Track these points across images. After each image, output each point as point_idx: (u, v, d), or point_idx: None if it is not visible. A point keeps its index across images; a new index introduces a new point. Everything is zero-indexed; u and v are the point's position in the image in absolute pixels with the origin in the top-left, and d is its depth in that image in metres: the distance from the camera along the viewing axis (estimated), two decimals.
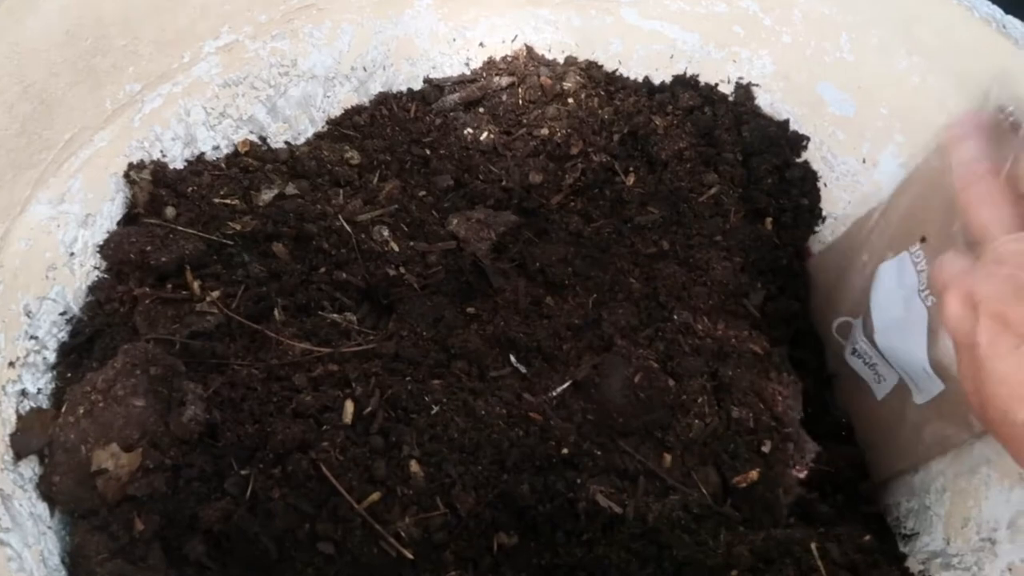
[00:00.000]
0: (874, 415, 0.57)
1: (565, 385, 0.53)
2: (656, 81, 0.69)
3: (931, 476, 0.52)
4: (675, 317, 0.56)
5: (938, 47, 0.53)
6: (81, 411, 0.49)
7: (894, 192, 0.56)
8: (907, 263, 0.54)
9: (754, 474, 0.49)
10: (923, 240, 0.53)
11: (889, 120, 0.58)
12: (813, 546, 0.46)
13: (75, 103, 0.54)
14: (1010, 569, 0.42)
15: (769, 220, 0.63)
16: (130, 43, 0.56)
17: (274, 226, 0.60)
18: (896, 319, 0.53)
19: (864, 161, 0.60)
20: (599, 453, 0.51)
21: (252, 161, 0.65)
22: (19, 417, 0.49)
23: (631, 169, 0.67)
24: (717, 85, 0.67)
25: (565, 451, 0.50)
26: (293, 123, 0.68)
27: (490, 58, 0.72)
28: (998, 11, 0.50)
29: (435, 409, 0.52)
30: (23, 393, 0.50)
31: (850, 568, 0.46)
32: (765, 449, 0.51)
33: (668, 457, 0.51)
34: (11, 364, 0.49)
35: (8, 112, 0.49)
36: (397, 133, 0.69)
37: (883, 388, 0.56)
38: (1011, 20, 0.50)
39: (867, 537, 0.49)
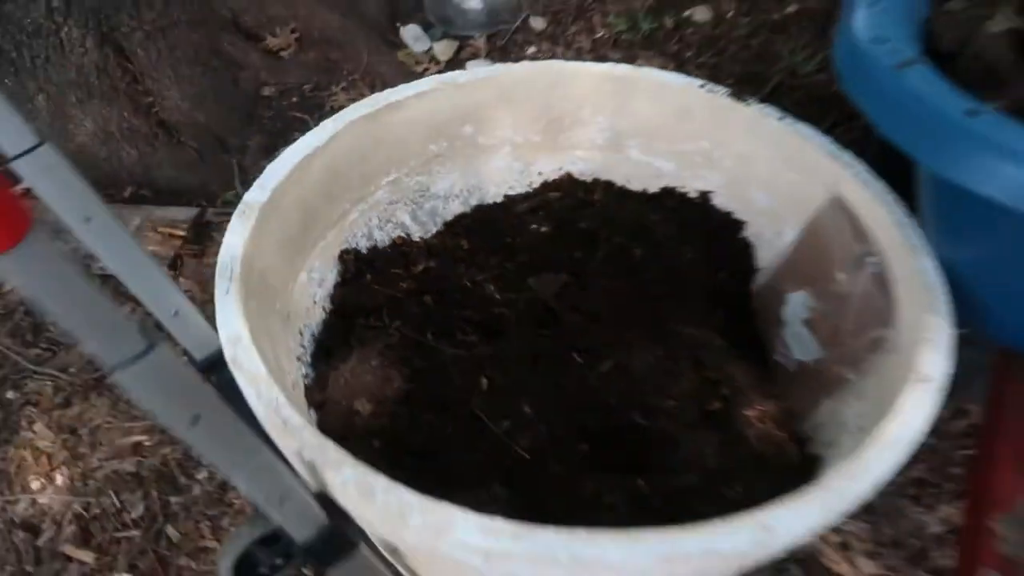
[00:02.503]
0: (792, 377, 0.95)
1: (608, 365, 0.91)
2: (650, 192, 1.11)
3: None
4: (668, 326, 0.95)
5: (814, 165, 0.94)
6: (342, 383, 0.86)
7: (796, 243, 0.96)
8: (801, 297, 0.93)
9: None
10: (809, 284, 0.92)
11: (789, 209, 0.98)
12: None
13: (321, 214, 0.95)
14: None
15: (724, 273, 1.03)
16: (348, 180, 0.98)
17: (424, 285, 1.00)
18: (795, 323, 0.92)
19: (777, 233, 1.00)
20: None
21: (405, 248, 1.06)
22: (305, 388, 0.87)
23: (637, 247, 1.07)
24: (687, 193, 1.08)
25: (611, 399, 0.88)
26: (426, 225, 1.09)
27: (545, 182, 1.14)
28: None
29: (532, 382, 0.90)
30: (304, 376, 0.88)
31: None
32: (725, 392, 0.88)
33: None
34: (298, 359, 0.88)
35: (297, 218, 0.90)
36: (490, 231, 1.11)
37: (792, 361, 0.94)
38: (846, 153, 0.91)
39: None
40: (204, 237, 1.81)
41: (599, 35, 2.08)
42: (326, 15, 2.20)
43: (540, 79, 1.03)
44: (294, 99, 2.11)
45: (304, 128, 2.10)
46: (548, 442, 0.85)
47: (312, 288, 0.94)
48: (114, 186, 2.01)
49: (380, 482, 0.60)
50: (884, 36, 0.62)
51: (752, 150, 0.99)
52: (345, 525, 0.67)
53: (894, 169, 0.84)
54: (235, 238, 0.78)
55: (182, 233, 1.81)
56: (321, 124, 0.93)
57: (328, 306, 0.96)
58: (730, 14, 2.06)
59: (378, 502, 0.59)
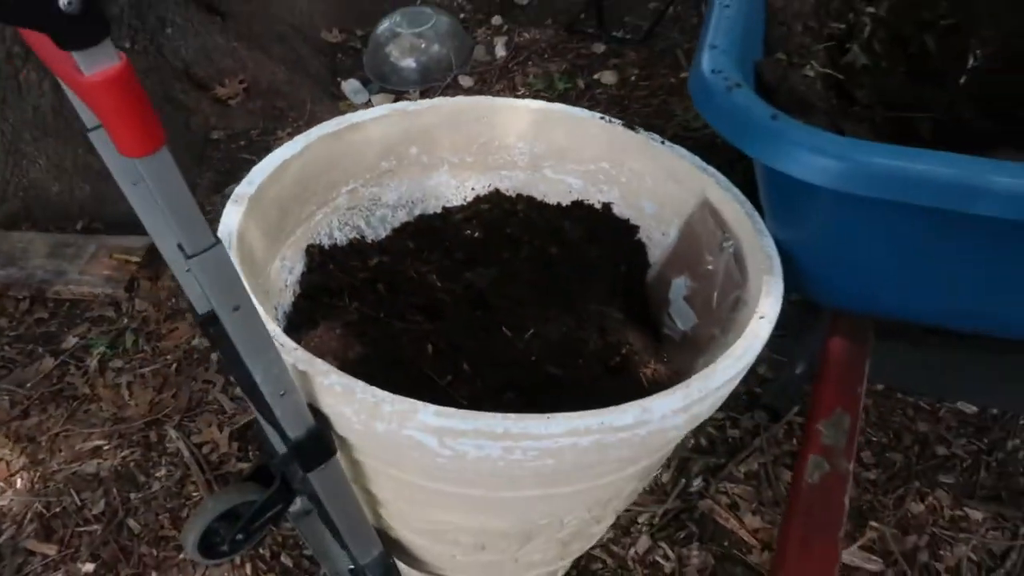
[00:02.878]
0: (677, 346, 1.19)
1: (530, 334, 1.13)
2: (563, 204, 1.35)
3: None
4: (578, 304, 1.17)
5: (688, 177, 1.20)
6: (311, 346, 1.04)
7: (676, 239, 1.21)
8: (681, 280, 1.18)
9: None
10: (687, 269, 1.17)
11: (671, 213, 1.24)
12: None
13: (293, 212, 1.15)
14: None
15: (624, 267, 1.27)
16: (315, 186, 1.18)
17: (378, 276, 1.20)
18: (678, 300, 1.16)
19: (663, 234, 1.26)
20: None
21: (360, 247, 1.26)
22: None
23: (553, 248, 1.31)
24: (593, 204, 1.33)
25: (533, 357, 1.09)
26: (377, 229, 1.30)
27: (477, 196, 1.37)
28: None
29: (469, 347, 1.10)
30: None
31: None
32: (624, 351, 1.11)
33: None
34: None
35: (275, 213, 1.09)
36: (431, 235, 1.32)
37: (677, 331, 1.18)
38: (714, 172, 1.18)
39: None
40: (158, 263, 1.95)
41: (520, 92, 2.37)
42: (273, 68, 2.42)
43: (474, 110, 1.27)
44: (242, 142, 2.30)
45: (252, 167, 2.29)
46: (483, 392, 1.05)
47: (284, 274, 1.13)
48: (66, 219, 2.13)
49: (359, 384, 0.79)
50: (719, 69, 0.87)
51: (642, 167, 1.24)
52: (327, 432, 0.85)
53: (752, 187, 1.12)
54: (231, 218, 0.97)
55: (137, 259, 1.94)
56: (294, 138, 1.13)
57: (297, 290, 1.15)
58: (633, 78, 2.39)
59: (358, 397, 0.78)
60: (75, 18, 0.44)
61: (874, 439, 1.52)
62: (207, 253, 0.61)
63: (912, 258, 0.90)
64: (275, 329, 0.83)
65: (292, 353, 0.81)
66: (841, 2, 1.31)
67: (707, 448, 1.53)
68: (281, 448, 0.84)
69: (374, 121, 1.20)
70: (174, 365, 1.74)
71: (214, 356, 1.75)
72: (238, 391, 1.68)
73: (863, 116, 1.42)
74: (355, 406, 0.78)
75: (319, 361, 0.81)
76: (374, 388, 0.78)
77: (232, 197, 1.00)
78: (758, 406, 1.52)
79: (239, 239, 0.95)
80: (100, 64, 0.47)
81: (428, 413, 0.77)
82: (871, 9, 1.36)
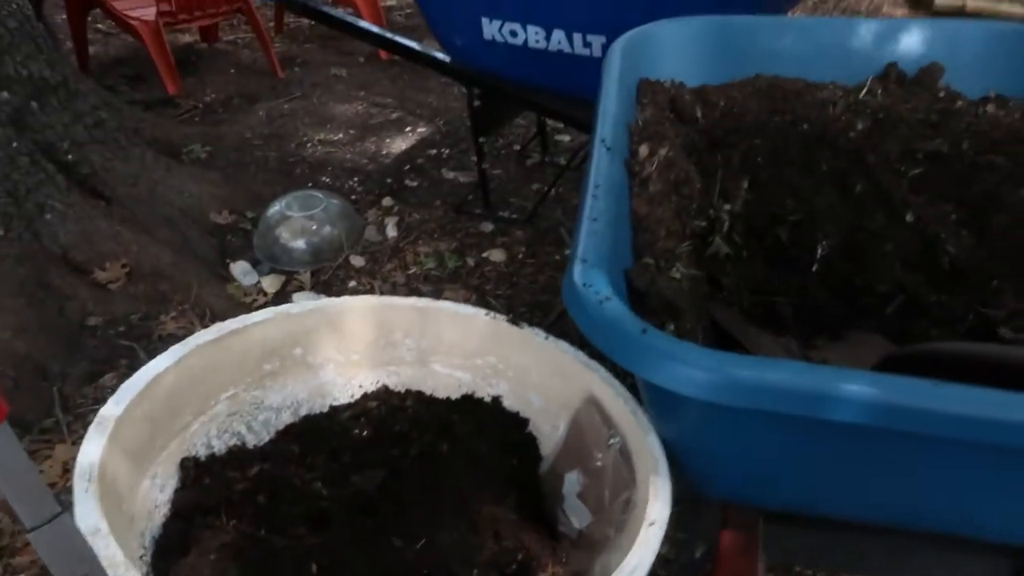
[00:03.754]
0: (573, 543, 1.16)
1: (421, 543, 1.08)
2: (453, 398, 1.35)
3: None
4: (471, 507, 1.14)
5: (572, 372, 1.23)
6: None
7: (565, 434, 1.21)
8: (574, 476, 1.18)
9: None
10: (578, 464, 1.17)
11: (558, 407, 1.25)
12: None
13: (165, 426, 1.09)
14: None
15: (516, 460, 1.26)
16: (190, 396, 1.13)
17: (258, 486, 1.14)
18: (571, 497, 1.16)
19: (553, 427, 1.26)
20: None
21: (240, 455, 1.20)
22: None
23: (443, 444, 1.29)
24: (482, 398, 1.33)
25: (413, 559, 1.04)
26: (259, 434, 1.24)
27: (365, 393, 1.35)
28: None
29: (356, 563, 1.04)
30: (148, 566, 0.97)
31: None
32: (521, 556, 1.07)
33: None
34: (140, 558, 0.97)
35: (145, 429, 1.03)
36: (317, 436, 1.28)
37: (573, 530, 1.16)
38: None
39: None
40: None
41: (412, 271, 2.42)
42: (158, 251, 2.38)
43: (358, 309, 1.27)
44: (121, 328, 2.21)
45: (131, 355, 2.18)
46: None
47: (154, 493, 1.05)
48: None
49: None
50: (590, 283, 0.92)
51: (528, 362, 1.27)
52: None
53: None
54: (92, 446, 0.91)
55: None
56: (171, 348, 1.09)
57: (168, 511, 1.07)
58: (520, 255, 2.49)
59: None
60: None
61: None
62: (49, 525, 0.56)
63: (786, 458, 0.94)
64: None
65: None
66: (701, 201, 1.44)
67: None
68: None
69: (256, 325, 1.19)
70: None
71: None
72: None
73: (731, 301, 1.52)
74: None
75: None
76: None
77: (96, 420, 0.95)
78: None
79: (100, 469, 0.89)
80: None
81: None
82: (728, 206, 1.49)
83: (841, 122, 1.55)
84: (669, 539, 1.63)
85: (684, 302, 1.07)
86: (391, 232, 2.57)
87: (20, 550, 1.65)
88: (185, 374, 1.10)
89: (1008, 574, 1.25)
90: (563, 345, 1.24)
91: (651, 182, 1.23)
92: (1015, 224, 1.40)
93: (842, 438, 0.87)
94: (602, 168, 1.17)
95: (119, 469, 0.96)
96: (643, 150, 1.29)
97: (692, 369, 0.83)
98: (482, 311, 1.29)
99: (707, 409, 0.90)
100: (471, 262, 2.45)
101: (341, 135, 3.18)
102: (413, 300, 1.29)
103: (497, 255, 2.47)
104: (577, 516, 1.16)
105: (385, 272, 2.41)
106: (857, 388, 0.80)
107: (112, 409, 0.97)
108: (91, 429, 0.93)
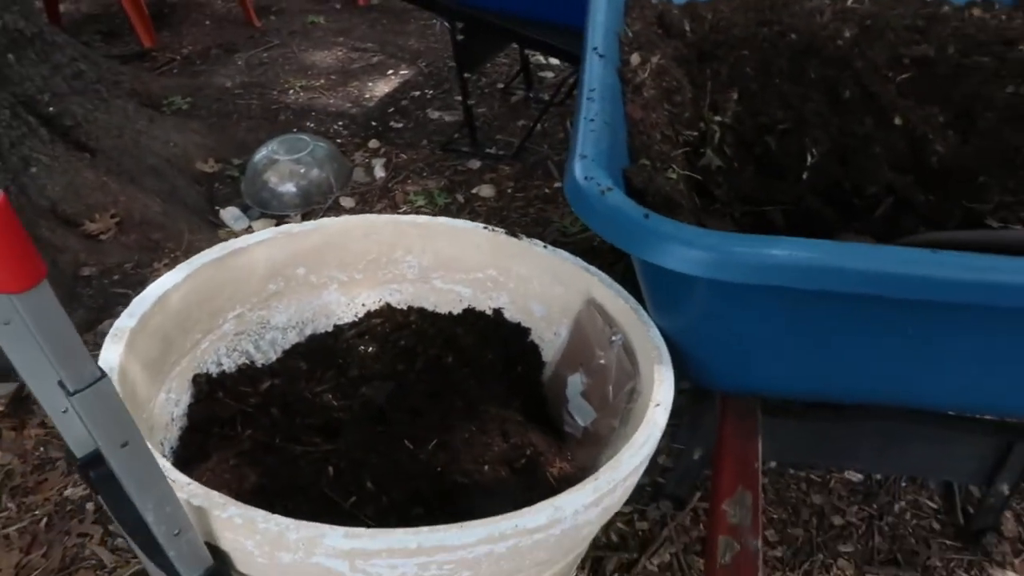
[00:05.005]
0: (578, 442, 1.20)
1: (432, 444, 1.11)
2: (455, 312, 1.37)
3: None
4: (478, 409, 1.17)
5: (572, 277, 1.25)
6: (202, 481, 0.98)
7: (567, 338, 1.24)
8: (577, 377, 1.21)
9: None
10: (581, 365, 1.20)
11: (560, 314, 1.28)
12: None
13: (177, 343, 1.10)
14: None
15: (520, 368, 1.29)
16: (199, 315, 1.15)
17: (270, 400, 1.16)
18: (575, 397, 1.19)
19: (555, 334, 1.29)
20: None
21: (250, 372, 1.22)
22: None
23: (448, 356, 1.31)
24: (484, 311, 1.36)
25: (438, 467, 1.07)
26: (267, 353, 1.26)
27: (368, 311, 1.37)
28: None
29: (371, 463, 1.07)
30: None
31: None
32: (528, 452, 1.11)
33: None
34: None
35: (158, 344, 1.05)
36: (324, 354, 1.30)
37: (578, 428, 1.19)
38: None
39: None
40: (23, 411, 1.80)
41: (402, 210, 2.42)
42: (146, 201, 2.37)
43: (359, 228, 1.29)
44: (115, 277, 2.21)
45: (128, 302, 2.18)
46: (390, 509, 1.02)
47: (170, 407, 1.08)
48: None
49: (260, 514, 0.75)
50: (591, 176, 0.94)
51: (528, 272, 1.29)
52: (226, 572, 0.80)
53: (632, 283, 1.18)
54: (111, 353, 0.92)
55: (0, 408, 1.79)
56: (177, 266, 1.11)
57: (184, 423, 1.09)
58: (509, 190, 2.50)
59: (259, 527, 0.74)
60: None
61: (775, 516, 1.57)
62: (91, 388, 0.58)
63: (784, 338, 0.97)
64: (166, 464, 0.79)
65: (186, 488, 0.77)
66: (692, 112, 1.45)
67: (619, 543, 1.52)
68: None
69: (259, 245, 1.20)
70: (44, 520, 1.58)
71: (90, 506, 1.61)
72: (119, 542, 1.54)
73: (723, 212, 1.54)
74: (257, 538, 0.74)
75: (215, 494, 0.77)
76: (277, 516, 0.75)
77: (112, 331, 0.96)
78: (662, 495, 1.54)
79: (121, 375, 0.91)
80: None
81: (336, 536, 0.74)
82: (718, 118, 1.50)
83: (828, 30, 1.56)
84: (665, 449, 1.68)
85: (682, 199, 1.09)
86: (379, 173, 2.56)
87: (33, 488, 1.68)
88: (192, 291, 1.11)
89: (992, 456, 1.31)
90: (562, 253, 1.26)
91: (644, 88, 1.24)
92: (1001, 122, 1.43)
93: (840, 313, 0.91)
94: (595, 74, 1.18)
95: (137, 379, 0.98)
96: (635, 58, 1.30)
97: (694, 249, 0.85)
98: (480, 225, 1.30)
99: (709, 291, 0.93)
100: (461, 199, 2.46)
101: (323, 81, 3.15)
102: (412, 217, 1.30)
103: (486, 191, 2.47)
104: (582, 415, 1.19)
105: (376, 211, 2.41)
106: (859, 258, 0.83)
107: (127, 321, 0.98)
108: (107, 340, 0.95)
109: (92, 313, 2.11)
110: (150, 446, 0.76)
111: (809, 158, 1.52)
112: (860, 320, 0.93)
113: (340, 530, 0.74)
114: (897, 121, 1.47)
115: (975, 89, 1.46)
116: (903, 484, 1.63)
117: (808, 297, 0.87)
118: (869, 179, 1.46)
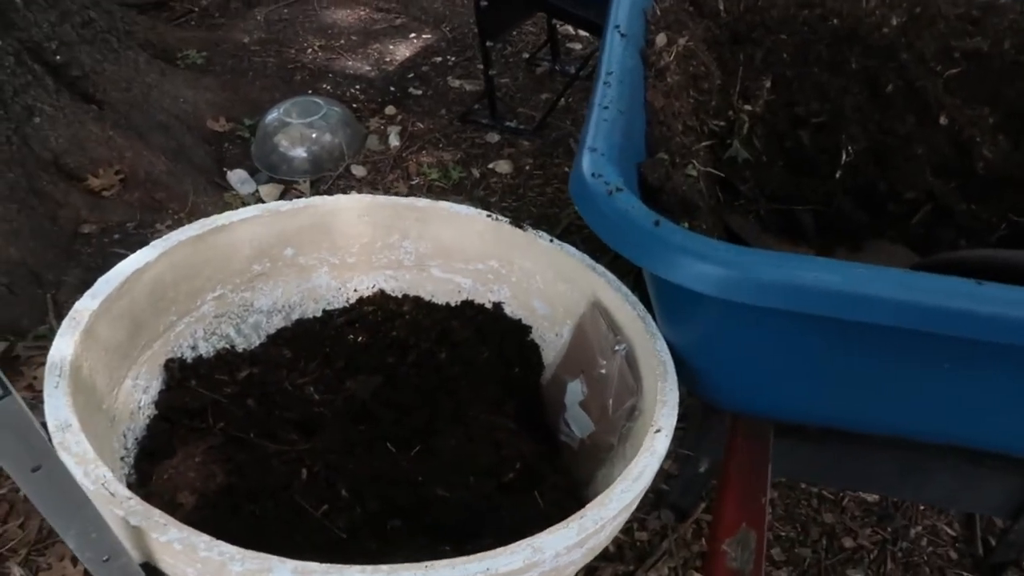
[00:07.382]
0: (575, 453, 1.12)
1: (416, 449, 1.04)
2: (452, 304, 1.29)
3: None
4: (469, 414, 1.09)
5: (577, 276, 1.16)
6: (165, 477, 0.92)
7: (569, 341, 1.16)
8: (576, 384, 1.12)
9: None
10: (582, 372, 1.11)
11: (562, 314, 1.19)
12: None
13: (148, 325, 1.03)
14: None
15: (517, 368, 1.21)
16: (175, 295, 1.07)
17: (248, 390, 1.09)
18: (573, 406, 1.11)
19: (557, 335, 1.20)
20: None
21: (229, 358, 1.14)
22: (128, 486, 0.91)
23: (442, 351, 1.23)
24: (483, 304, 1.27)
25: (419, 477, 0.99)
26: (249, 337, 1.19)
27: (360, 297, 1.28)
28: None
29: (348, 468, 1.00)
30: (126, 475, 0.93)
31: None
32: (518, 466, 1.03)
33: None
34: (122, 459, 0.93)
35: (125, 327, 0.98)
36: (310, 342, 1.22)
37: (574, 439, 1.11)
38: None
39: None
40: (12, 371, 1.75)
41: (414, 182, 2.33)
42: (152, 158, 2.29)
43: (353, 208, 1.20)
44: (116, 236, 2.14)
45: None
46: (364, 521, 0.95)
47: (137, 395, 1.01)
48: None
49: (202, 539, 0.68)
50: (600, 173, 0.84)
51: (532, 266, 1.20)
52: None
53: (643, 283, 1.08)
54: (64, 340, 0.85)
55: None
56: (152, 243, 1.03)
57: (152, 412, 1.02)
58: (527, 167, 2.39)
59: (201, 555, 0.67)
60: None
61: (782, 534, 1.48)
62: None
63: (802, 363, 0.88)
64: (105, 473, 0.72)
65: (123, 504, 0.69)
66: (720, 101, 1.34)
67: (615, 554, 1.45)
68: None
69: (243, 222, 1.12)
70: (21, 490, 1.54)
71: None
72: None
73: (748, 209, 1.44)
74: (198, 566, 0.67)
75: (156, 512, 0.69)
76: (220, 544, 0.68)
77: (70, 314, 0.89)
78: (665, 504, 1.46)
79: (74, 364, 0.84)
80: None
81: (284, 571, 0.66)
82: (748, 107, 1.39)
83: (874, 17, 1.43)
84: (672, 455, 1.60)
85: (700, 200, 0.99)
86: (394, 141, 2.47)
87: None
88: (168, 270, 1.04)
89: (1020, 492, 1.21)
90: (569, 249, 1.16)
91: (668, 73, 1.13)
92: None
93: (867, 341, 0.81)
94: (615, 55, 1.07)
95: (96, 366, 0.91)
96: (661, 39, 1.18)
97: (709, 264, 0.76)
98: (483, 212, 1.21)
99: (723, 310, 0.83)
100: (476, 173, 2.36)
101: (343, 41, 3.04)
102: (411, 200, 1.21)
103: (503, 166, 2.37)
104: (579, 426, 1.11)
105: (387, 183, 2.32)
106: (892, 287, 0.73)
107: (88, 303, 0.91)
108: (64, 324, 0.87)
109: (89, 273, 2.05)
110: (76, 467, 0.70)
111: (844, 156, 1.40)
112: (890, 350, 0.83)
113: (288, 564, 0.67)
114: (942, 121, 1.35)
115: None
116: (921, 507, 1.54)
117: (833, 321, 0.77)
118: (907, 183, 1.35)
